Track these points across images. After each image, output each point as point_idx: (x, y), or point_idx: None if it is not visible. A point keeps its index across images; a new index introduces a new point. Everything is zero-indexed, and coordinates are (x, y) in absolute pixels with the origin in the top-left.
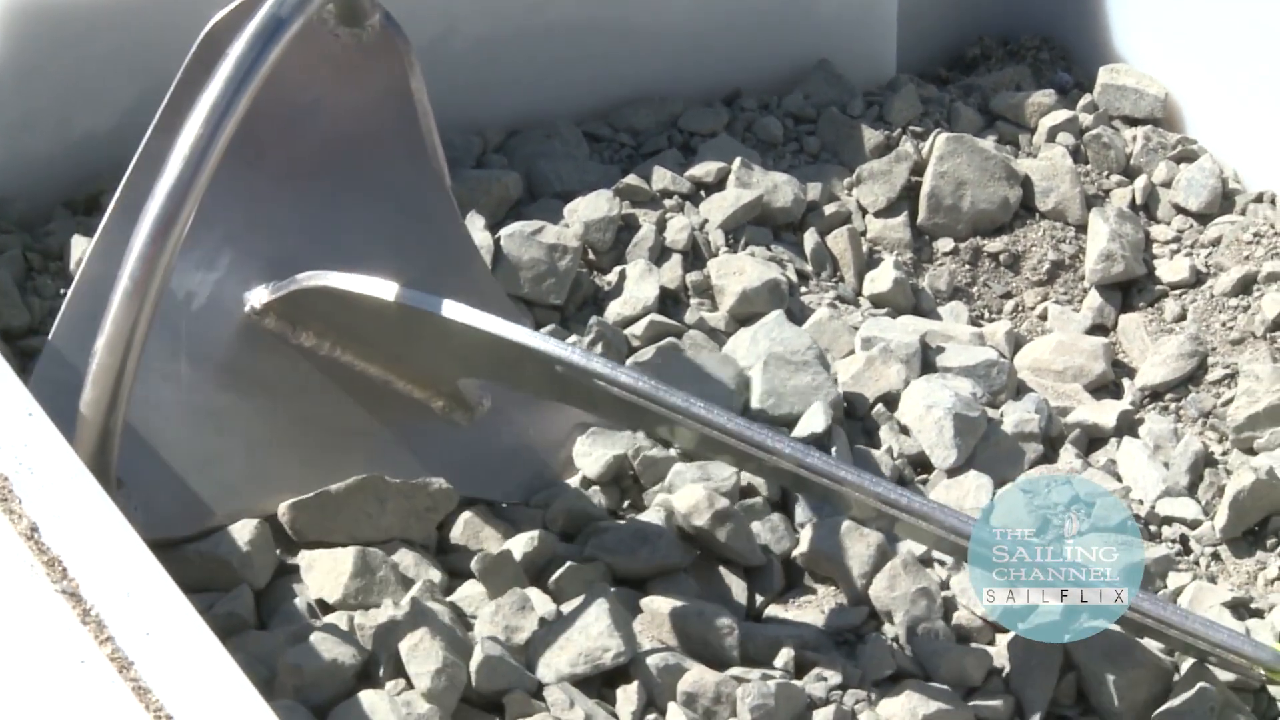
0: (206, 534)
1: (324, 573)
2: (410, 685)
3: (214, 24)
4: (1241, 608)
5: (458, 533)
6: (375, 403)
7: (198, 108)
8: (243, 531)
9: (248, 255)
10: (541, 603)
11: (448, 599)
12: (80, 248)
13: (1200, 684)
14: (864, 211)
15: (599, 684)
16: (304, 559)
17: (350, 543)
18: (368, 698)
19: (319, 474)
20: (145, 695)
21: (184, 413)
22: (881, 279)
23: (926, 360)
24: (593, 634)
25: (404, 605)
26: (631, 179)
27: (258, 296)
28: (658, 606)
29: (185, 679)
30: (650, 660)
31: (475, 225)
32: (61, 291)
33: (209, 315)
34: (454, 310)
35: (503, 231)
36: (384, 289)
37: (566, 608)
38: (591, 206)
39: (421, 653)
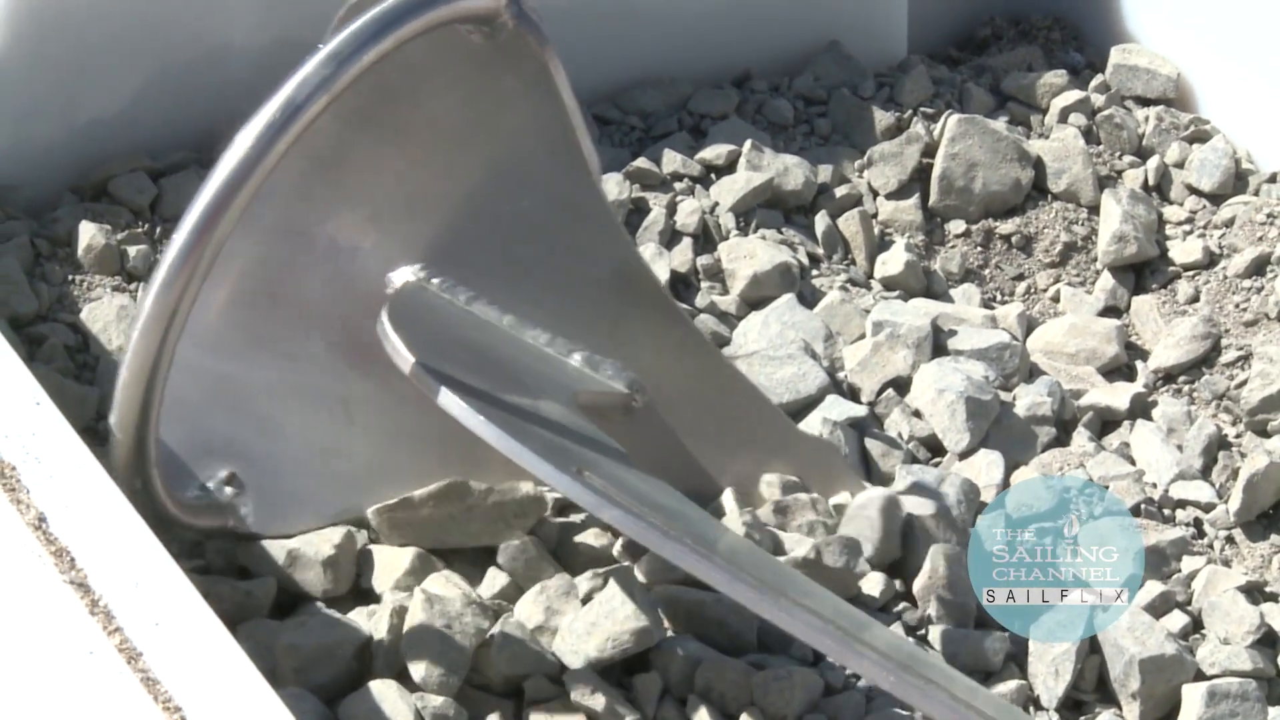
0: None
1: (381, 567)
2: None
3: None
4: (1256, 592)
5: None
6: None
7: (201, 191)
8: (332, 535)
9: (393, 236)
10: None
11: (475, 589)
12: (89, 234)
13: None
14: (875, 194)
15: (619, 673)
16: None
17: (441, 548)
18: (378, 687)
19: (453, 471)
20: (154, 686)
21: (315, 399)
22: (893, 261)
23: (938, 343)
24: (619, 618)
25: (405, 593)
26: (641, 162)
27: (402, 278)
28: (674, 593)
29: (194, 669)
30: (668, 647)
31: None
32: (70, 278)
33: (351, 294)
34: (449, 403)
35: None
36: (404, 360)
37: (585, 591)
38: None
39: (419, 642)
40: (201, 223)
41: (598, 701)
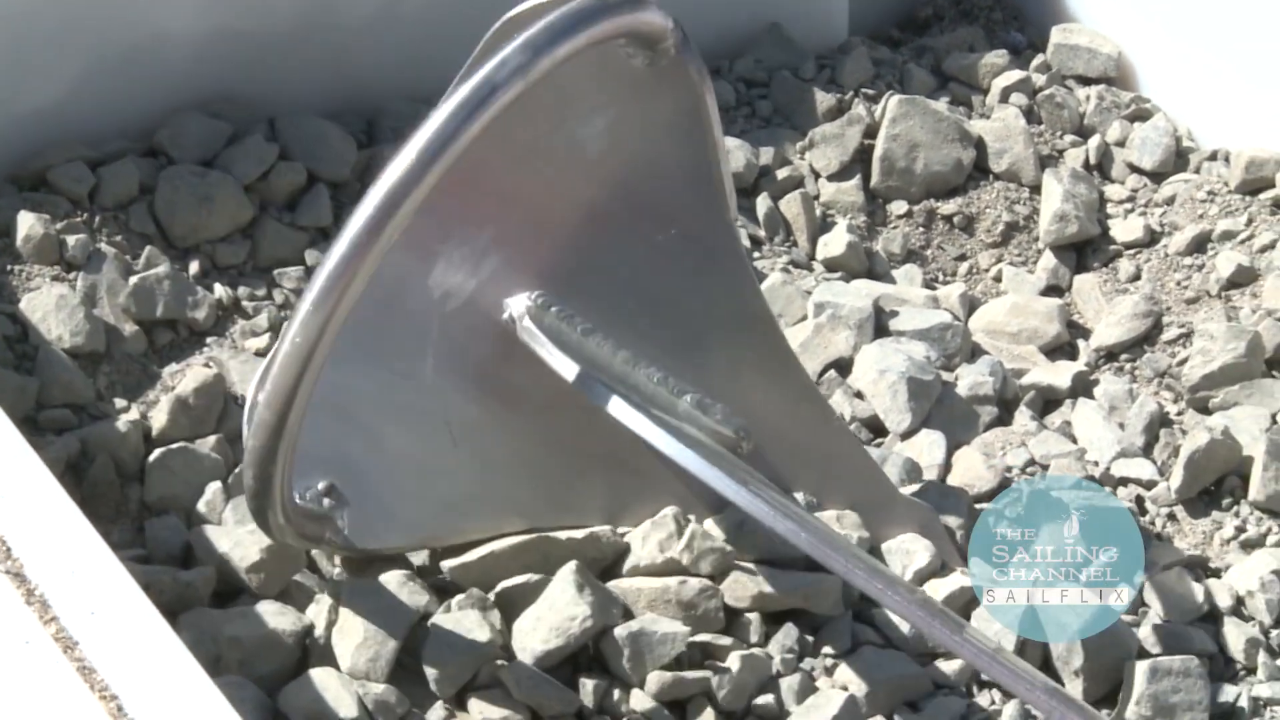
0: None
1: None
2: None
3: (508, 18)
4: (1198, 568)
5: None
6: (628, 432)
7: (392, 164)
8: (262, 538)
9: (515, 262)
10: None
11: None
12: (27, 223)
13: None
14: (817, 175)
15: (569, 670)
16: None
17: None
18: (319, 675)
19: (554, 504)
20: (90, 675)
21: (419, 418)
22: (835, 243)
23: (880, 324)
24: (559, 605)
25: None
26: None
27: (518, 305)
28: (627, 586)
29: (130, 658)
30: (617, 636)
31: None
32: (8, 268)
33: (465, 319)
34: (620, 410)
35: None
36: (567, 368)
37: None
38: None
39: (345, 631)
40: (395, 192)
41: (541, 694)
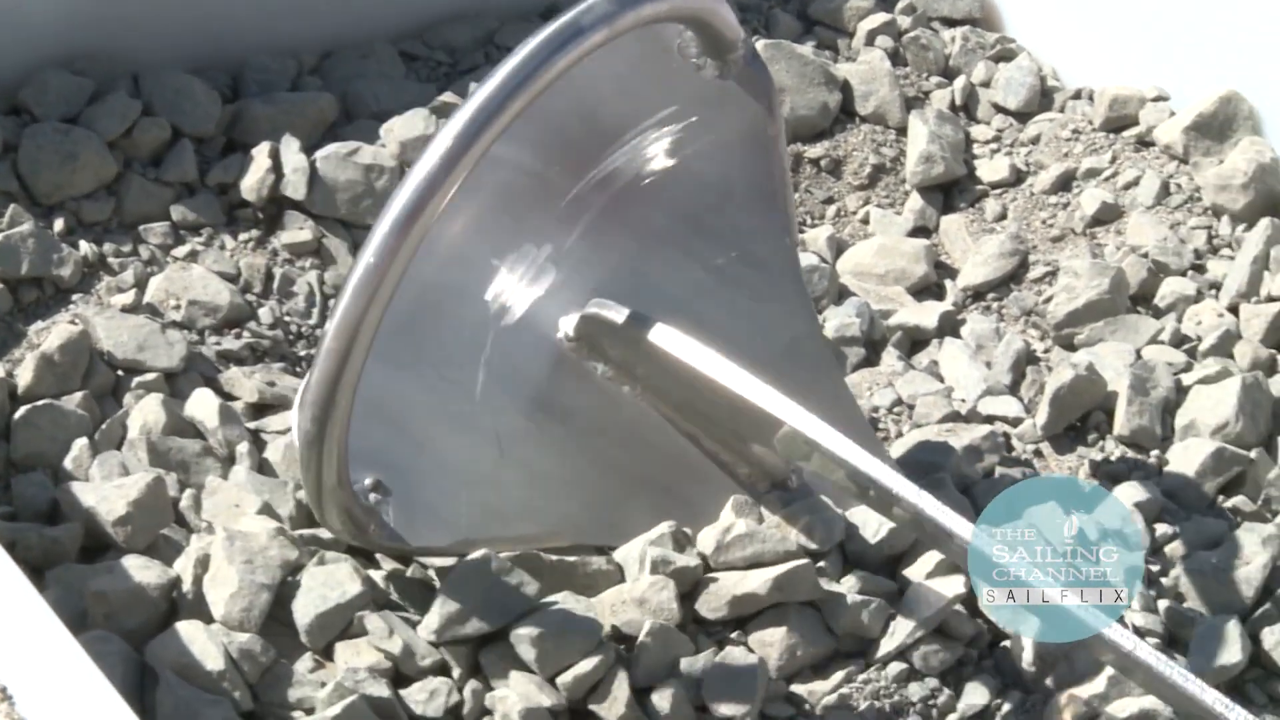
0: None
1: None
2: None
3: None
4: None
5: None
6: (676, 457)
7: (475, 93)
8: (130, 490)
9: (574, 278)
10: None
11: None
12: None
13: None
14: None
15: (474, 648)
16: None
17: None
18: (185, 629)
19: (599, 522)
20: None
21: (469, 426)
22: None
23: None
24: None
25: (211, 535)
26: (448, 96)
27: (573, 324)
28: (594, 600)
29: None
30: (524, 630)
31: (290, 149)
32: None
33: (520, 333)
34: (664, 333)
35: (318, 154)
36: (618, 313)
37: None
38: (408, 125)
39: (219, 579)
40: (471, 124)
41: (394, 645)
